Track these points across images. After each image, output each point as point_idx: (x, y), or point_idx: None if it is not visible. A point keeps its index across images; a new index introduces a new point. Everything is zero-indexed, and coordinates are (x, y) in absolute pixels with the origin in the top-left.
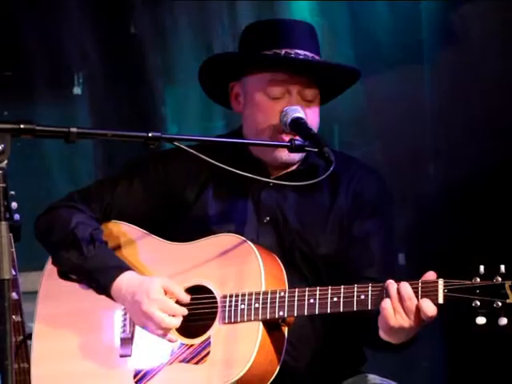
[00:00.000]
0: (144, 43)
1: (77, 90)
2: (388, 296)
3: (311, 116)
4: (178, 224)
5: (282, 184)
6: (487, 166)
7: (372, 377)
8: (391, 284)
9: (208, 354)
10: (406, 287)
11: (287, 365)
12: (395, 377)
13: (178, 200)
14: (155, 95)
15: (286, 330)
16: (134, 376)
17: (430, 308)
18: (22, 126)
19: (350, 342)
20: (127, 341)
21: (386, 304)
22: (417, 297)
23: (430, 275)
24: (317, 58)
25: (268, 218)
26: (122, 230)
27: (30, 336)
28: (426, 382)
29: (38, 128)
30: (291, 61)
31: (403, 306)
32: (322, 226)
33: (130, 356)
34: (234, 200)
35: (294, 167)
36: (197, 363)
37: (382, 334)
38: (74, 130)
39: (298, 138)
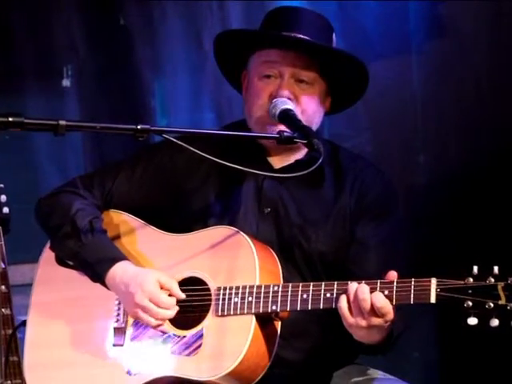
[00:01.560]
0: (133, 35)
1: (66, 83)
2: (347, 294)
3: (305, 99)
4: (180, 213)
5: (277, 177)
6: (477, 156)
7: (363, 367)
8: (351, 284)
9: (200, 346)
10: (362, 288)
11: (280, 357)
12: (387, 367)
13: (179, 190)
14: (144, 87)
15: (278, 324)
16: (126, 366)
17: (379, 300)
18: (10, 119)
19: (343, 336)
20: (120, 330)
21: (341, 302)
22: (408, 298)
23: (391, 275)
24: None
25: (269, 210)
26: (121, 220)
27: (23, 324)
28: (418, 373)
29: (26, 121)
30: (275, 37)
31: (359, 305)
32: (323, 222)
33: (122, 346)
34: (235, 189)
35: (296, 158)
36: (188, 355)
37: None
38: (62, 122)
39: (287, 129)
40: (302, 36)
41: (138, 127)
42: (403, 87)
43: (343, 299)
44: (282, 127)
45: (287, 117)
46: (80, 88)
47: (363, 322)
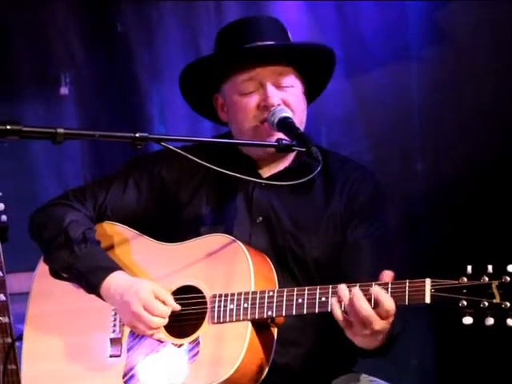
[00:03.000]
0: (131, 42)
1: (64, 90)
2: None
3: (292, 101)
4: (172, 224)
5: (273, 184)
6: (475, 163)
7: (361, 376)
8: (343, 292)
9: (197, 353)
10: (358, 295)
11: (277, 365)
12: (386, 375)
13: (171, 201)
14: (142, 94)
15: (275, 331)
16: (123, 376)
17: (387, 302)
18: (8, 127)
19: (341, 342)
20: (117, 341)
21: (337, 315)
22: (403, 299)
23: (386, 275)
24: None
25: (261, 218)
26: (114, 231)
27: (19, 337)
28: (416, 380)
29: (24, 129)
30: (247, 50)
31: (358, 316)
32: (315, 228)
33: (119, 356)
34: (227, 199)
35: (285, 165)
36: (186, 363)
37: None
38: (60, 130)
39: (285, 137)
40: (269, 43)
41: (137, 135)
42: (402, 94)
43: (339, 312)
44: (280, 135)
45: (286, 125)
46: (78, 95)
47: (367, 332)
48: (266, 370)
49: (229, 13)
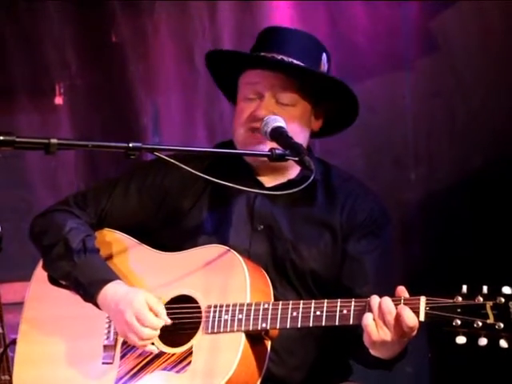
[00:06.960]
0: (125, 52)
1: (58, 100)
2: (370, 311)
3: (286, 119)
4: (173, 231)
5: (273, 194)
6: (468, 171)
7: None
8: (373, 298)
9: (189, 363)
10: (386, 301)
11: (273, 375)
12: (380, 383)
13: (173, 208)
14: (137, 104)
15: (268, 344)
16: (115, 383)
17: (409, 317)
18: (1, 138)
19: (337, 353)
20: (110, 348)
21: (368, 320)
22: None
23: (400, 291)
24: (297, 62)
25: (262, 226)
26: (114, 238)
27: (13, 342)
28: None
29: (17, 140)
30: (250, 58)
31: (384, 320)
32: (315, 240)
33: (112, 363)
34: (228, 206)
35: (288, 178)
36: (178, 372)
37: (370, 350)
38: (54, 141)
39: (278, 147)
40: (281, 56)
41: (130, 145)
42: (394, 102)
43: (369, 316)
44: (274, 145)
45: (279, 134)
46: (72, 105)
47: (388, 337)
48: (259, 382)
49: (223, 25)
